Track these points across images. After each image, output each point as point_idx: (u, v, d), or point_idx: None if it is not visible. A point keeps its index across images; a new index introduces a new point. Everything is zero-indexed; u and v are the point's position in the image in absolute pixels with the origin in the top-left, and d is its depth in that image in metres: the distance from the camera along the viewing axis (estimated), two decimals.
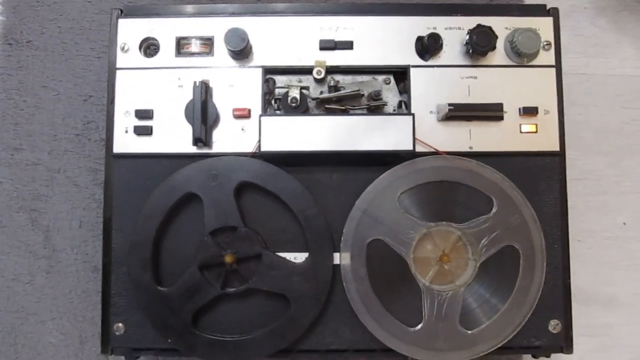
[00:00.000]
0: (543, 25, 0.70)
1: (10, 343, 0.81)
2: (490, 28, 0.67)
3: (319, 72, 0.69)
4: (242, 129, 0.68)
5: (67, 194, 0.83)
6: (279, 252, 0.67)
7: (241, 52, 0.67)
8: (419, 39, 0.69)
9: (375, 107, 0.69)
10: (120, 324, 0.68)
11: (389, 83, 0.70)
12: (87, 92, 0.85)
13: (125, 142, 0.69)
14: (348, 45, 0.69)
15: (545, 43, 0.69)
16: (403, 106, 0.70)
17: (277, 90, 0.70)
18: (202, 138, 0.66)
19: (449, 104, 0.67)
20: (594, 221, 0.86)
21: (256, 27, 0.69)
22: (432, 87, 0.69)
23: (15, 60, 0.86)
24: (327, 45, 0.69)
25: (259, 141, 0.66)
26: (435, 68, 0.69)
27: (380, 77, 0.70)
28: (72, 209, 0.83)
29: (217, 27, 0.70)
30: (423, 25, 0.69)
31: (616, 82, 0.88)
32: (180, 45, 0.70)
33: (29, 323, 0.82)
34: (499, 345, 0.66)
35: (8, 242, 0.83)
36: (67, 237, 0.83)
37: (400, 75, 0.70)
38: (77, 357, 0.81)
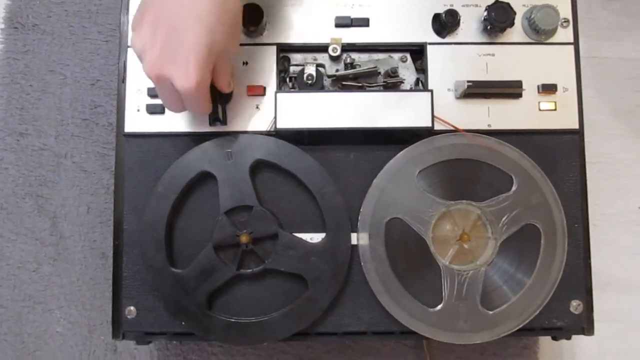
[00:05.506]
0: (560, 3, 0.69)
1: (16, 332, 0.79)
2: (508, 4, 0.66)
3: (334, 50, 0.68)
4: (257, 107, 0.67)
5: (74, 180, 0.82)
6: (296, 232, 0.66)
7: (256, 29, 0.66)
8: (436, 16, 0.68)
9: (392, 85, 0.68)
10: (132, 308, 0.66)
11: (406, 61, 0.69)
12: (95, 76, 0.84)
13: (136, 121, 0.67)
14: (364, 23, 0.68)
15: (563, 20, 0.69)
16: (420, 84, 0.69)
17: (291, 68, 0.69)
18: (218, 116, 0.65)
19: (468, 81, 0.66)
20: (608, 205, 0.85)
21: (270, 4, 0.68)
22: (450, 65, 0.68)
23: (21, 44, 0.84)
24: (343, 22, 0.68)
25: (275, 118, 0.65)
26: (453, 45, 0.68)
27: (397, 55, 0.69)
28: (79, 194, 0.82)
29: None
30: (440, 2, 0.68)
31: (629, 65, 0.88)
32: None
33: (36, 312, 0.80)
34: (521, 326, 0.65)
35: (14, 229, 0.81)
36: (74, 224, 0.81)
37: (417, 52, 0.69)
38: (85, 345, 0.79)
